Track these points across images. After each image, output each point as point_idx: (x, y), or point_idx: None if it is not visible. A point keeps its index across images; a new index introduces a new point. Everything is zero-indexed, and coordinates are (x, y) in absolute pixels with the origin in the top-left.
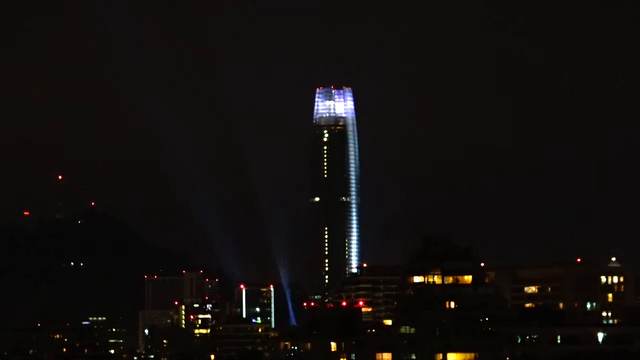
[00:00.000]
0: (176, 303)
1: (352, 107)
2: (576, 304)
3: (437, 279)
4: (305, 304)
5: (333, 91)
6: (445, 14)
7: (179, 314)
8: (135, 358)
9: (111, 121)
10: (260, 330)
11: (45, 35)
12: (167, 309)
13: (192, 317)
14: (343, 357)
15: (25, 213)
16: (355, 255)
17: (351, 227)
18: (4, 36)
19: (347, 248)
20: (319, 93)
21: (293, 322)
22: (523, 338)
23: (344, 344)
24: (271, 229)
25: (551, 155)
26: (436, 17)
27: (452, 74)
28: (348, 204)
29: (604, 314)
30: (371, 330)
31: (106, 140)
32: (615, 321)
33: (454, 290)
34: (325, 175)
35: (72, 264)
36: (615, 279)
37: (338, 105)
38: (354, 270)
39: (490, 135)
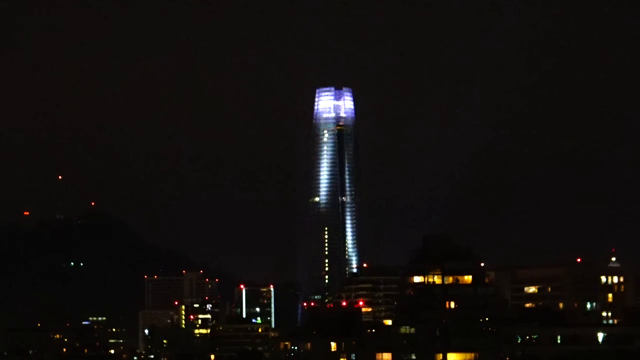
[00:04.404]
0: (176, 303)
1: (352, 107)
2: (576, 304)
3: (437, 279)
4: (305, 304)
5: (333, 91)
6: (444, 15)
7: (179, 314)
8: (135, 358)
9: (113, 122)
10: (260, 330)
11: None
12: (167, 309)
13: (192, 317)
14: (343, 357)
15: (25, 213)
16: (355, 255)
17: (351, 227)
18: (5, 38)
19: (347, 248)
20: (319, 93)
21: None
22: (523, 338)
23: (344, 344)
24: (271, 229)
25: (551, 155)
26: (436, 16)
27: (453, 73)
28: (348, 204)
29: (604, 314)
30: (371, 330)
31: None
32: (615, 321)
33: (454, 290)
34: (325, 175)
35: (72, 264)
36: (615, 279)
37: (338, 105)
38: (354, 270)
39: (490, 135)
